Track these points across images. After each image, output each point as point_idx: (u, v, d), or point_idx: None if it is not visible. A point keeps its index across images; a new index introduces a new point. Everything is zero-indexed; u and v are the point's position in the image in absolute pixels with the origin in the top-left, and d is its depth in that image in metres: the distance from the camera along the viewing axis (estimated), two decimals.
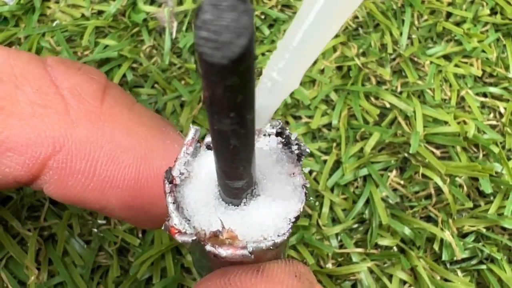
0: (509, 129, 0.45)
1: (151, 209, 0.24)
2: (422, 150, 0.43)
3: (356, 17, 0.51)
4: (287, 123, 0.45)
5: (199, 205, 0.19)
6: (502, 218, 0.41)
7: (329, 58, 0.48)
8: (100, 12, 0.50)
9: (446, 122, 0.45)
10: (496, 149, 0.44)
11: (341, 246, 0.40)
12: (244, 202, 0.20)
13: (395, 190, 0.42)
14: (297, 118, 0.45)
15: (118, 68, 0.46)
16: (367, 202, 0.41)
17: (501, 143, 0.45)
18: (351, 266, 0.38)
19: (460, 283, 0.38)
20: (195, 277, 0.37)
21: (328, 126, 0.45)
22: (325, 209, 0.40)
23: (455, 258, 0.39)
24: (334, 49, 0.49)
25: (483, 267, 0.40)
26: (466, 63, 0.49)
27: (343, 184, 0.42)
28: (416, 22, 0.52)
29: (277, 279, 0.20)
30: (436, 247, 0.40)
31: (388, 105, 0.46)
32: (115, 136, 0.23)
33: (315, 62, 0.48)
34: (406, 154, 0.43)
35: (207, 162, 0.20)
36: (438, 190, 0.42)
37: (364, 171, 0.42)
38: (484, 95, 0.48)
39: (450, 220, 0.41)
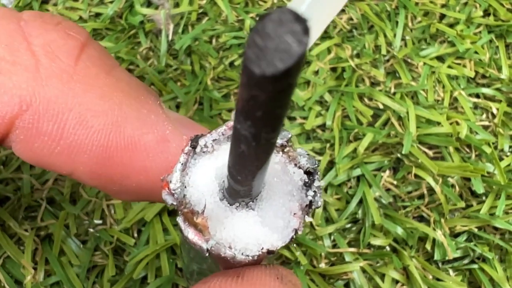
0: (501, 129, 0.45)
1: (121, 180, 0.23)
2: (415, 150, 0.42)
3: (351, 19, 0.51)
4: None
5: (202, 181, 0.19)
6: (494, 218, 0.40)
7: (324, 60, 0.48)
8: (97, 15, 0.50)
9: (439, 123, 0.45)
10: (488, 150, 0.43)
11: (334, 246, 0.39)
12: (236, 207, 0.19)
13: (388, 190, 0.42)
14: (291, 119, 0.45)
15: None
16: (360, 202, 0.41)
17: (493, 143, 0.44)
18: (344, 266, 0.38)
19: (452, 283, 0.38)
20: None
21: (322, 127, 0.44)
22: (319, 209, 0.40)
23: (447, 258, 0.39)
24: (329, 50, 0.49)
25: (475, 266, 0.39)
26: (459, 64, 0.49)
27: (336, 184, 0.41)
28: (409, 24, 0.51)
29: (259, 283, 0.19)
30: (428, 246, 0.39)
31: (381, 106, 0.45)
32: (87, 98, 0.21)
33: (309, 64, 0.47)
34: (399, 155, 0.43)
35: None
36: (431, 190, 0.42)
37: (357, 172, 0.42)
38: (477, 96, 0.48)
39: (443, 220, 0.41)
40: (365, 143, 0.43)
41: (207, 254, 0.18)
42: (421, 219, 0.41)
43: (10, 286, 0.36)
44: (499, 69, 0.49)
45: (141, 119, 0.23)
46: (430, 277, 0.39)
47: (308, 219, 0.19)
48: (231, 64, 0.47)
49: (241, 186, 0.17)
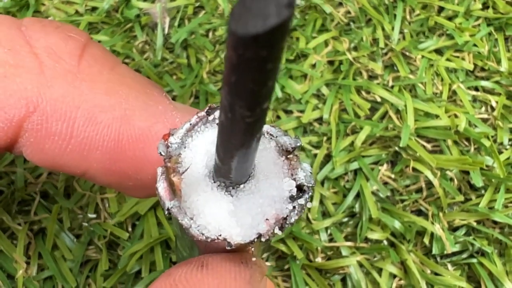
0: (500, 122, 0.44)
1: (134, 173, 0.22)
2: (413, 143, 0.41)
3: (348, 12, 0.50)
4: (278, 117, 0.43)
5: (199, 149, 0.18)
6: (493, 211, 0.39)
7: (321, 53, 0.46)
8: (93, 9, 0.48)
9: (437, 116, 0.43)
10: (487, 143, 0.42)
11: (330, 240, 0.38)
12: (217, 186, 0.18)
13: (385, 183, 0.41)
14: (288, 112, 0.44)
15: None
16: (358, 196, 0.40)
17: (492, 136, 0.43)
18: (340, 260, 0.37)
19: (450, 277, 0.37)
20: None
21: (319, 120, 0.43)
22: (315, 203, 0.39)
23: (445, 252, 0.38)
24: (326, 43, 0.47)
25: (474, 260, 0.38)
26: (457, 57, 0.48)
27: (333, 178, 0.40)
28: (408, 17, 0.50)
29: (223, 269, 0.18)
30: (426, 241, 0.38)
31: (379, 99, 0.44)
32: (93, 95, 0.21)
33: (306, 57, 0.46)
34: (397, 148, 0.41)
35: None
36: (429, 184, 0.40)
37: (354, 165, 0.41)
38: (476, 89, 0.46)
39: (441, 214, 0.39)
40: (362, 137, 0.42)
41: (166, 214, 0.17)
42: (419, 213, 0.40)
43: (2, 281, 0.35)
44: (498, 62, 0.48)
45: (149, 110, 0.22)
46: (428, 271, 0.37)
47: (277, 231, 0.18)
48: None
49: (222, 163, 0.16)
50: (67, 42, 0.22)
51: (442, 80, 0.46)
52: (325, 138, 0.42)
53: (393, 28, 0.49)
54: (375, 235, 0.38)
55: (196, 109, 0.25)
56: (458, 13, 0.50)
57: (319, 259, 0.37)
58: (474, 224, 0.39)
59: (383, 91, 0.44)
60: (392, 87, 0.45)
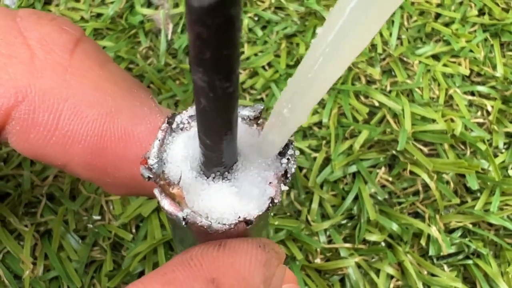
0: (496, 127, 0.44)
1: (114, 171, 0.22)
2: (410, 147, 0.41)
3: None
4: None
5: (178, 157, 0.18)
6: (488, 214, 0.39)
7: None
8: (98, 15, 0.49)
9: (434, 120, 0.44)
10: (483, 147, 0.42)
11: (329, 242, 0.39)
12: (213, 178, 0.19)
13: (383, 186, 0.41)
14: None
15: None
16: (356, 198, 0.40)
17: (488, 140, 0.43)
18: (339, 261, 0.37)
19: (446, 278, 0.37)
20: None
21: (319, 124, 0.43)
22: (315, 205, 0.39)
23: (441, 253, 0.38)
24: None
25: (470, 262, 0.38)
26: (454, 62, 0.48)
27: (332, 181, 0.40)
28: (405, 23, 0.50)
29: (241, 250, 0.18)
30: (423, 242, 0.38)
31: (377, 104, 0.44)
32: (81, 90, 0.21)
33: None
34: (394, 152, 0.42)
35: None
36: (426, 187, 0.41)
37: (353, 168, 0.41)
38: (472, 93, 0.47)
39: (437, 216, 0.40)
40: (360, 140, 0.42)
41: (184, 224, 0.17)
42: (416, 215, 0.40)
43: (9, 281, 0.35)
44: (494, 67, 0.48)
45: (134, 111, 0.22)
46: (425, 272, 0.38)
47: (284, 188, 0.18)
48: None
49: (212, 152, 0.16)
50: (61, 35, 0.22)
51: (439, 85, 0.47)
52: (324, 141, 0.42)
53: (391, 34, 0.49)
54: (373, 237, 0.38)
55: None
56: (454, 19, 0.50)
57: (318, 260, 0.37)
58: (470, 226, 0.39)
59: (381, 95, 0.45)
60: (390, 92, 0.46)
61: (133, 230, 0.38)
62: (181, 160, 0.18)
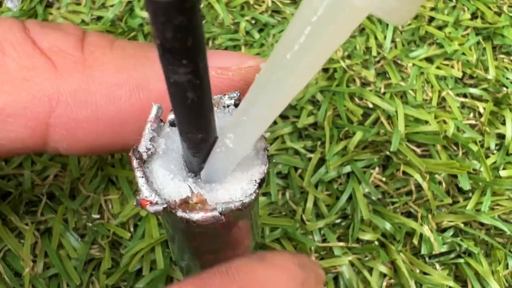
0: (487, 128, 0.44)
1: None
2: (403, 148, 0.41)
3: None
4: (274, 122, 0.44)
5: (168, 178, 0.18)
6: (480, 214, 0.39)
7: None
8: (99, 18, 0.49)
9: (427, 122, 0.44)
10: (475, 148, 0.42)
11: (324, 240, 0.39)
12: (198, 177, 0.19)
13: (377, 186, 0.41)
14: (284, 117, 0.44)
15: None
16: (350, 198, 0.40)
17: (480, 141, 0.43)
18: (333, 260, 0.37)
19: (438, 276, 0.37)
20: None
21: (314, 125, 0.44)
22: (309, 205, 0.39)
23: (433, 252, 0.38)
24: None
25: (461, 260, 0.38)
26: (447, 65, 0.48)
27: (327, 181, 0.40)
28: (399, 27, 0.50)
29: (280, 265, 0.19)
30: (415, 241, 0.38)
31: (371, 106, 0.45)
32: (105, 76, 0.22)
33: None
34: (388, 152, 0.42)
35: (173, 138, 0.19)
36: (418, 187, 0.41)
37: (347, 169, 0.41)
38: (464, 95, 0.47)
39: (430, 216, 0.40)
40: (355, 141, 0.42)
41: (223, 218, 0.17)
42: (408, 214, 0.40)
43: (10, 278, 0.35)
44: (486, 70, 0.48)
45: (157, 71, 0.23)
46: (417, 271, 0.38)
47: (266, 134, 0.19)
48: None
49: (206, 141, 0.16)
50: (67, 39, 0.23)
51: (432, 87, 0.47)
52: (319, 142, 0.42)
53: (385, 37, 0.49)
54: (366, 236, 0.38)
55: None
56: (447, 23, 0.50)
57: (312, 259, 0.37)
58: (462, 225, 0.39)
59: (375, 97, 0.45)
60: (384, 93, 0.46)
61: (131, 229, 0.38)
62: (170, 180, 0.18)
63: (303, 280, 0.19)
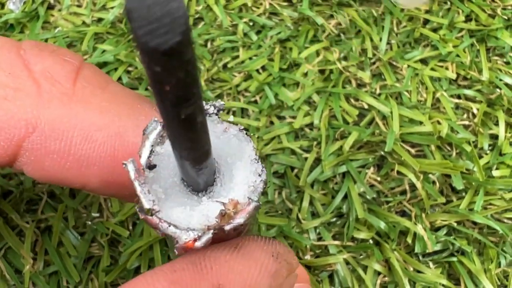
0: (481, 129, 0.44)
1: (130, 184, 0.23)
2: (398, 148, 0.41)
3: (339, 24, 0.50)
4: (271, 123, 0.44)
5: (187, 211, 0.18)
6: (473, 213, 0.39)
7: (312, 62, 0.47)
8: (99, 20, 0.49)
9: (421, 122, 0.44)
10: (468, 148, 0.42)
11: (319, 239, 0.39)
12: (212, 187, 0.19)
13: (372, 186, 0.41)
14: (281, 118, 0.44)
15: (115, 71, 0.45)
16: (345, 197, 0.40)
17: (473, 142, 0.43)
18: (328, 258, 0.37)
19: (431, 274, 0.37)
20: None
21: (310, 125, 0.43)
22: (305, 204, 0.39)
23: (427, 251, 0.38)
24: (317, 53, 0.48)
25: (454, 259, 0.38)
26: (441, 66, 0.48)
27: (322, 180, 0.40)
28: (395, 29, 0.50)
29: (253, 257, 0.18)
30: (409, 240, 0.38)
31: (366, 106, 0.44)
32: (88, 115, 0.22)
33: (299, 66, 0.47)
34: (382, 152, 0.42)
35: (158, 179, 0.18)
36: (413, 186, 0.41)
37: (343, 168, 0.41)
38: (458, 97, 0.47)
39: (423, 215, 0.40)
40: (350, 141, 0.42)
41: (260, 204, 0.17)
42: (403, 213, 0.40)
43: (10, 275, 0.35)
44: (480, 71, 0.48)
45: (140, 126, 0.22)
46: (411, 269, 0.38)
47: (231, 118, 0.19)
48: (224, 66, 0.46)
49: (206, 157, 0.16)
50: (63, 66, 0.22)
51: (426, 88, 0.46)
52: (315, 142, 0.42)
53: (381, 39, 0.49)
54: (361, 235, 0.38)
55: None
56: (442, 25, 0.50)
57: (308, 257, 0.37)
58: (455, 224, 0.39)
59: (370, 98, 0.45)
60: (379, 94, 0.46)
61: (130, 227, 0.38)
62: (174, 196, 0.18)
63: (275, 271, 0.19)
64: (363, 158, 0.42)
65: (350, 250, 0.38)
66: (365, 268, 0.38)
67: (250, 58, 0.47)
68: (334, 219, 0.39)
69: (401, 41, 0.49)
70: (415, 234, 0.38)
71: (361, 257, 0.38)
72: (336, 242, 0.38)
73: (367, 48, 0.48)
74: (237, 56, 0.47)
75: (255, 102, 0.45)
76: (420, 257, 0.39)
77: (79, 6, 0.50)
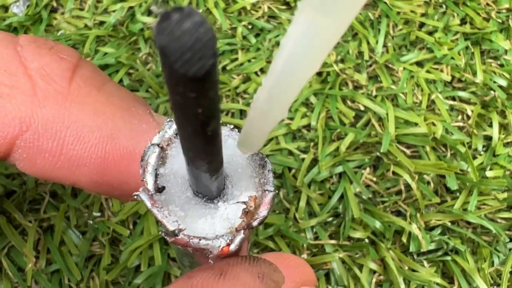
0: (475, 130, 0.44)
1: (119, 186, 0.23)
2: (393, 149, 0.41)
3: None
4: None
5: (209, 220, 0.18)
6: (466, 213, 0.39)
7: None
8: (101, 23, 0.49)
9: (416, 124, 0.44)
10: (462, 149, 0.42)
11: (316, 238, 0.39)
12: (224, 190, 0.19)
13: (368, 186, 0.41)
14: None
15: (116, 73, 0.45)
16: (341, 197, 0.40)
17: (467, 143, 0.43)
18: (324, 256, 0.37)
19: (426, 273, 0.37)
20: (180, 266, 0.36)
21: (307, 127, 0.44)
22: (302, 204, 0.39)
23: (422, 250, 0.38)
24: None
25: (448, 258, 0.38)
26: (436, 69, 0.48)
27: (319, 181, 0.40)
28: (391, 32, 0.50)
29: (239, 282, 0.18)
30: (404, 239, 0.38)
31: (363, 108, 0.44)
32: (82, 116, 0.21)
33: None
34: (378, 153, 0.42)
35: (168, 199, 0.18)
36: (408, 187, 0.41)
37: (339, 169, 0.41)
38: (453, 98, 0.47)
39: (418, 215, 0.40)
40: (347, 142, 0.42)
41: (277, 192, 0.18)
42: (398, 213, 0.40)
43: (13, 273, 0.35)
44: (474, 73, 0.48)
45: (133, 130, 0.22)
46: (406, 268, 0.38)
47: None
48: (224, 68, 0.47)
49: (214, 174, 0.16)
50: (60, 64, 0.22)
51: (422, 90, 0.47)
52: (312, 143, 0.42)
53: (377, 42, 0.49)
54: (357, 234, 0.38)
55: None
56: (437, 28, 0.50)
57: (305, 256, 0.38)
58: (449, 224, 0.39)
59: (367, 100, 0.45)
60: (375, 96, 0.46)
61: (131, 226, 0.38)
62: (199, 216, 0.18)
63: None
64: (359, 159, 0.42)
65: (346, 249, 0.38)
66: (360, 267, 0.38)
67: (249, 61, 0.47)
68: (331, 219, 0.39)
69: (397, 44, 0.49)
70: (410, 233, 0.38)
71: (357, 256, 0.38)
72: (333, 241, 0.38)
73: (364, 51, 0.48)
74: (236, 59, 0.47)
75: None
76: (415, 256, 0.39)
77: (82, 9, 0.50)
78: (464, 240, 0.39)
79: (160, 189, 0.18)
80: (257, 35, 0.49)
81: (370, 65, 0.48)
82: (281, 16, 0.50)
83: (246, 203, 0.18)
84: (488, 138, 0.44)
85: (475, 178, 0.41)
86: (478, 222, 0.39)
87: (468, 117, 0.45)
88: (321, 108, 0.44)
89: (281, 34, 0.49)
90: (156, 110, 0.43)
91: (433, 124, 0.44)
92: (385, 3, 0.51)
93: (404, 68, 0.48)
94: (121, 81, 0.44)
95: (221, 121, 0.14)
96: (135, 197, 0.18)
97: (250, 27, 0.50)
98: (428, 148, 0.43)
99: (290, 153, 0.42)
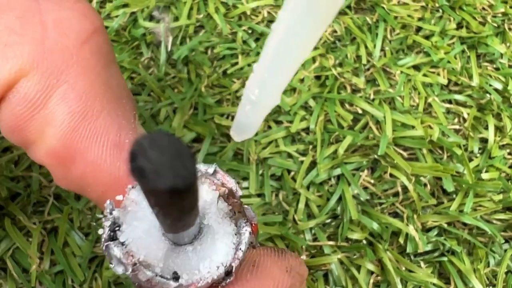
0: (471, 133, 0.44)
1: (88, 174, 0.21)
2: (391, 152, 0.41)
3: (335, 31, 0.50)
4: (269, 127, 0.44)
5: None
6: (463, 214, 0.39)
7: (308, 69, 0.47)
8: None
9: (413, 127, 0.44)
10: (459, 151, 0.42)
11: (314, 239, 0.39)
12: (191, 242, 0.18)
13: (365, 188, 0.41)
14: (278, 122, 0.44)
15: None
16: (340, 199, 0.40)
17: (463, 145, 0.43)
18: (323, 258, 0.37)
19: (422, 274, 0.37)
20: None
21: (306, 130, 0.44)
22: (301, 205, 0.39)
23: (418, 251, 0.38)
24: (313, 60, 0.48)
25: (445, 259, 0.38)
26: (433, 72, 0.48)
27: (318, 183, 0.40)
28: (388, 36, 0.50)
29: (270, 275, 0.18)
30: (401, 240, 0.38)
31: (361, 111, 0.44)
32: (77, 82, 0.20)
33: (295, 72, 0.47)
34: (376, 156, 0.42)
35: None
36: (405, 189, 0.41)
37: (337, 171, 0.41)
38: (450, 102, 0.47)
39: (415, 216, 0.40)
40: (345, 145, 0.42)
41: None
42: (395, 215, 0.40)
43: (18, 274, 0.35)
44: (470, 77, 0.48)
45: (112, 118, 0.21)
46: (403, 268, 0.38)
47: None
48: (224, 72, 0.47)
49: (189, 226, 0.16)
50: (79, 21, 0.21)
51: (418, 93, 0.46)
52: (311, 146, 0.42)
53: (375, 46, 0.49)
54: (355, 235, 0.38)
55: None
56: (434, 32, 0.50)
57: (303, 257, 0.37)
58: (445, 225, 0.39)
59: (364, 103, 0.45)
60: (373, 100, 0.46)
61: None
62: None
63: (290, 286, 0.18)
64: (357, 161, 0.42)
65: (344, 250, 0.38)
66: (358, 268, 0.38)
67: (249, 65, 0.47)
68: (329, 220, 0.39)
69: (395, 48, 0.49)
70: (407, 234, 0.38)
71: (355, 257, 0.38)
72: (331, 243, 0.38)
73: (362, 55, 0.48)
74: (236, 63, 0.47)
75: None
76: (412, 257, 0.39)
77: None
78: (460, 241, 0.39)
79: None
80: (257, 40, 0.49)
81: (368, 69, 0.48)
82: None
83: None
84: (484, 141, 0.44)
85: (471, 180, 0.41)
86: (474, 224, 0.39)
87: (464, 120, 0.45)
88: (319, 111, 0.44)
89: None
90: (158, 114, 0.43)
91: (430, 127, 0.44)
92: (383, 7, 0.51)
93: (401, 72, 0.47)
94: None
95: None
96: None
97: (250, 31, 0.50)
98: (425, 151, 0.43)
99: (289, 155, 0.42)
